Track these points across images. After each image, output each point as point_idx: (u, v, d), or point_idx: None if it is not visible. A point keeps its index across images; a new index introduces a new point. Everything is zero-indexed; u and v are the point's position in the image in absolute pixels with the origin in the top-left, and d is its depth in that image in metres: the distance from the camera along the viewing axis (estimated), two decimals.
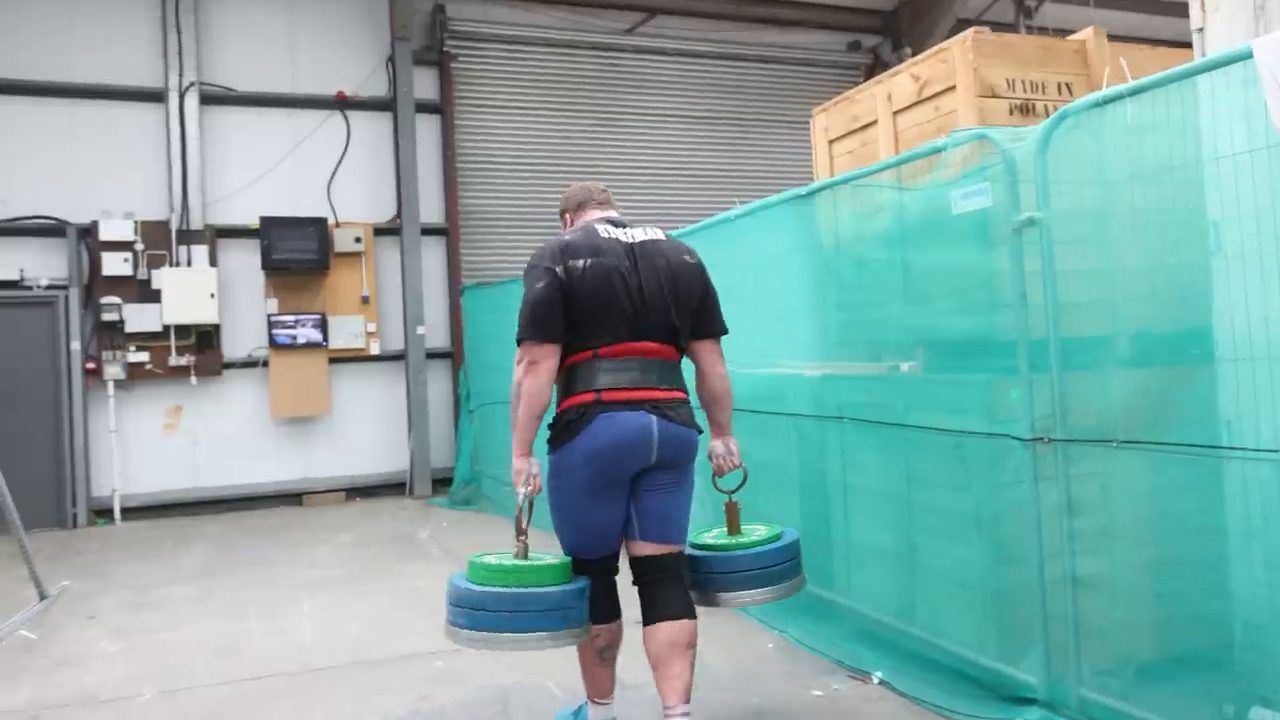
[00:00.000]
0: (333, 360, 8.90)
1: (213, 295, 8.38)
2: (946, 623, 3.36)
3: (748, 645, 4.07)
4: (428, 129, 9.39)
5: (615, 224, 2.92)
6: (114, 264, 8.25)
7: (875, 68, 10.85)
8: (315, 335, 8.73)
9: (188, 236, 8.51)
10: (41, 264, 8.21)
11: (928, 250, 3.45)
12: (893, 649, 3.61)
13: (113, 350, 8.27)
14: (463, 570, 2.75)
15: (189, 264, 8.48)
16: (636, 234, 2.88)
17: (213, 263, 8.55)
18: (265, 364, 8.71)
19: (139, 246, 8.34)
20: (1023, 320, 2.93)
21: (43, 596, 5.28)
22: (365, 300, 8.99)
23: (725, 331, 3.01)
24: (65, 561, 6.57)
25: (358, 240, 8.90)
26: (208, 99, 8.70)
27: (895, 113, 3.76)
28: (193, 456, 8.55)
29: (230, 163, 8.79)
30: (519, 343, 2.71)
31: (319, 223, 8.62)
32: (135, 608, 5.15)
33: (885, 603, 3.74)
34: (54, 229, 8.22)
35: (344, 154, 9.12)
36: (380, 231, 9.16)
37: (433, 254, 9.33)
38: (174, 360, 8.39)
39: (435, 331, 9.28)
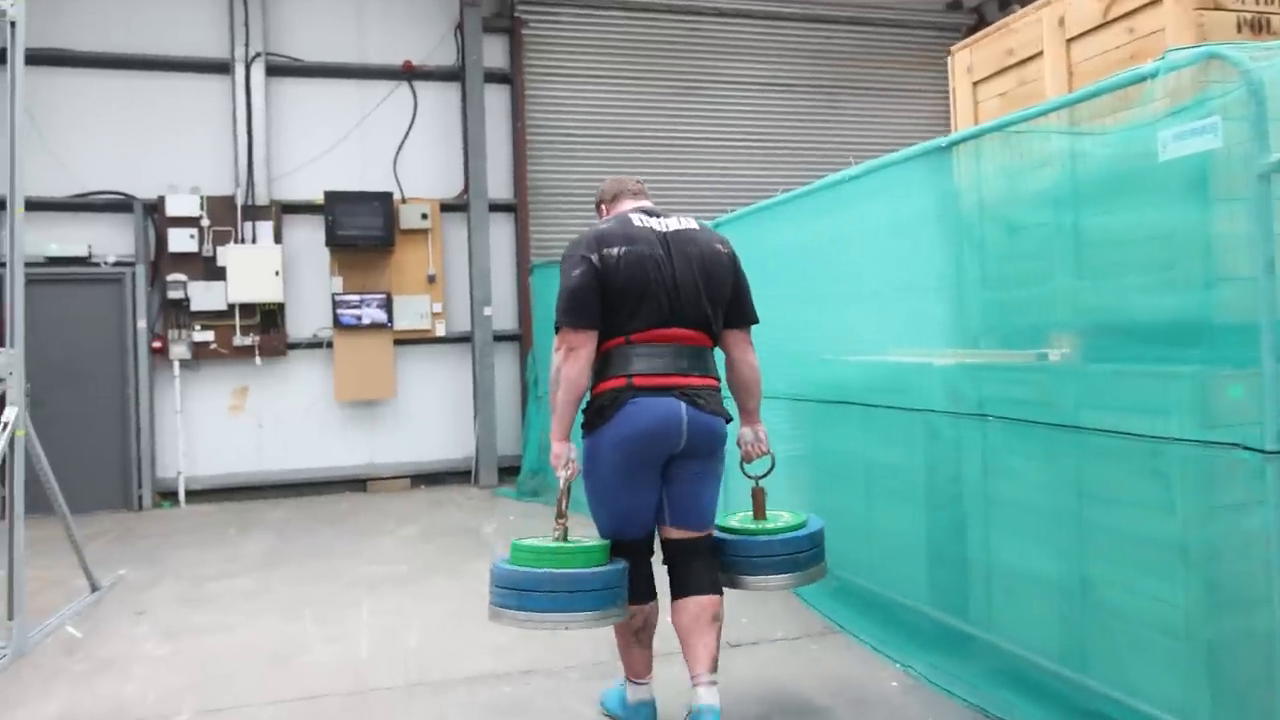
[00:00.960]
0: (398, 342, 8.50)
1: (277, 273, 8.05)
2: (1136, 675, 2.68)
3: (867, 682, 3.44)
4: (497, 100, 8.88)
5: (649, 214, 2.94)
6: (180, 240, 7.98)
7: (978, 29, 9.93)
8: (380, 315, 8.34)
9: (253, 212, 8.18)
10: (109, 240, 7.98)
11: (1114, 210, 2.75)
12: (1054, 699, 2.95)
13: (178, 329, 8.01)
14: (506, 554, 2.78)
15: (254, 240, 8.16)
16: (670, 223, 2.91)
17: (278, 239, 8.21)
18: (329, 345, 8.36)
19: (205, 222, 8.05)
20: (1269, 297, 2.23)
21: (95, 588, 4.95)
22: (431, 279, 8.56)
23: (756, 321, 3.05)
24: (126, 546, 6.30)
25: (424, 217, 8.47)
26: (273, 70, 8.34)
27: (1069, 40, 3.05)
28: (257, 439, 8.26)
29: (296, 136, 8.43)
30: (557, 330, 2.78)
31: (384, 198, 8.20)
32: (189, 603, 4.78)
33: (1043, 641, 3.07)
34: (121, 204, 7.97)
35: (410, 126, 8.68)
36: (447, 208, 8.71)
37: (501, 231, 8.85)
38: (238, 340, 8.09)
39: (503, 312, 8.82)
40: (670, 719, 3.01)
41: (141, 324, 7.88)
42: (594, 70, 9.14)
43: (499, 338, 8.70)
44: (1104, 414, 2.78)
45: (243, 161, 8.21)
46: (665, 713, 3.02)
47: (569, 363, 2.74)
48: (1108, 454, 2.78)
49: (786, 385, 4.70)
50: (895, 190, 3.76)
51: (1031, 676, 3.12)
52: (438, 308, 8.58)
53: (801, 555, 3.07)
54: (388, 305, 8.35)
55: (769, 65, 9.63)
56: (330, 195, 8.04)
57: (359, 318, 8.30)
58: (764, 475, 3.15)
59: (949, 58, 3.83)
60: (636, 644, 2.92)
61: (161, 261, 8.01)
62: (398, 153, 8.64)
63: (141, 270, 7.91)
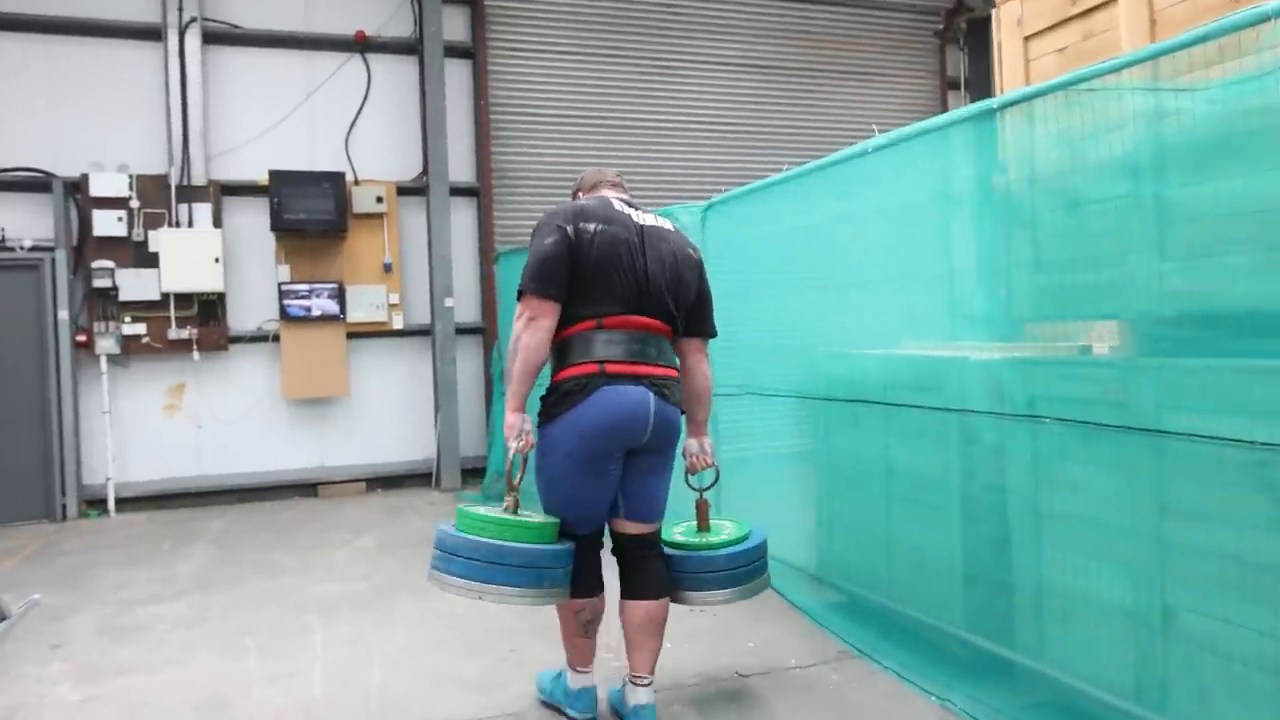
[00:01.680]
0: (351, 335, 7.89)
1: (217, 260, 7.38)
2: (1229, 718, 2.30)
3: (900, 718, 3.03)
4: (458, 75, 8.30)
5: (628, 204, 2.91)
6: (106, 223, 7.25)
7: (957, 12, 9.66)
8: (332, 307, 7.71)
9: (189, 193, 7.49)
10: (25, 223, 7.22)
11: (1212, 178, 2.35)
12: None
13: (106, 321, 7.29)
14: (452, 521, 2.73)
15: (190, 224, 7.46)
16: (646, 219, 2.88)
17: (217, 223, 7.53)
18: (276, 338, 7.71)
19: (134, 204, 7.33)
20: None
21: (2, 617, 4.30)
22: (387, 268, 7.96)
23: (714, 334, 3.05)
24: (44, 565, 5.62)
25: (379, 200, 7.85)
26: (211, 37, 7.64)
27: None
28: (195, 441, 7.58)
29: (237, 111, 7.75)
30: (520, 296, 2.70)
31: (335, 178, 7.57)
32: (113, 634, 4.18)
33: (1110, 674, 2.68)
34: (39, 183, 7.21)
35: (364, 103, 8.05)
36: (404, 191, 8.10)
37: (463, 217, 8.27)
38: (174, 333, 7.40)
39: (465, 304, 8.25)
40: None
41: (63, 315, 7.15)
42: (562, 46, 8.61)
43: (461, 330, 8.13)
44: (1193, 416, 2.39)
45: (177, 137, 7.50)
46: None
47: (529, 331, 2.66)
48: (1200, 463, 2.39)
49: (792, 382, 4.28)
50: (925, 162, 3.34)
51: (1093, 713, 2.74)
52: (394, 298, 7.98)
53: (743, 570, 3.08)
54: (340, 295, 7.73)
55: (745, 46, 9.21)
56: (276, 175, 7.39)
57: (308, 309, 7.67)
58: (709, 487, 3.16)
59: (993, 12, 3.41)
60: (583, 634, 2.90)
61: (86, 246, 7.28)
62: (350, 131, 8.01)
63: (63, 256, 7.17)
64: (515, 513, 2.69)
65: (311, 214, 7.43)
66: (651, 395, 2.71)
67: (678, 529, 3.19)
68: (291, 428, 7.83)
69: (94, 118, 7.39)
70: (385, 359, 8.09)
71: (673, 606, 3.02)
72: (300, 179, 7.45)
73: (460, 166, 8.23)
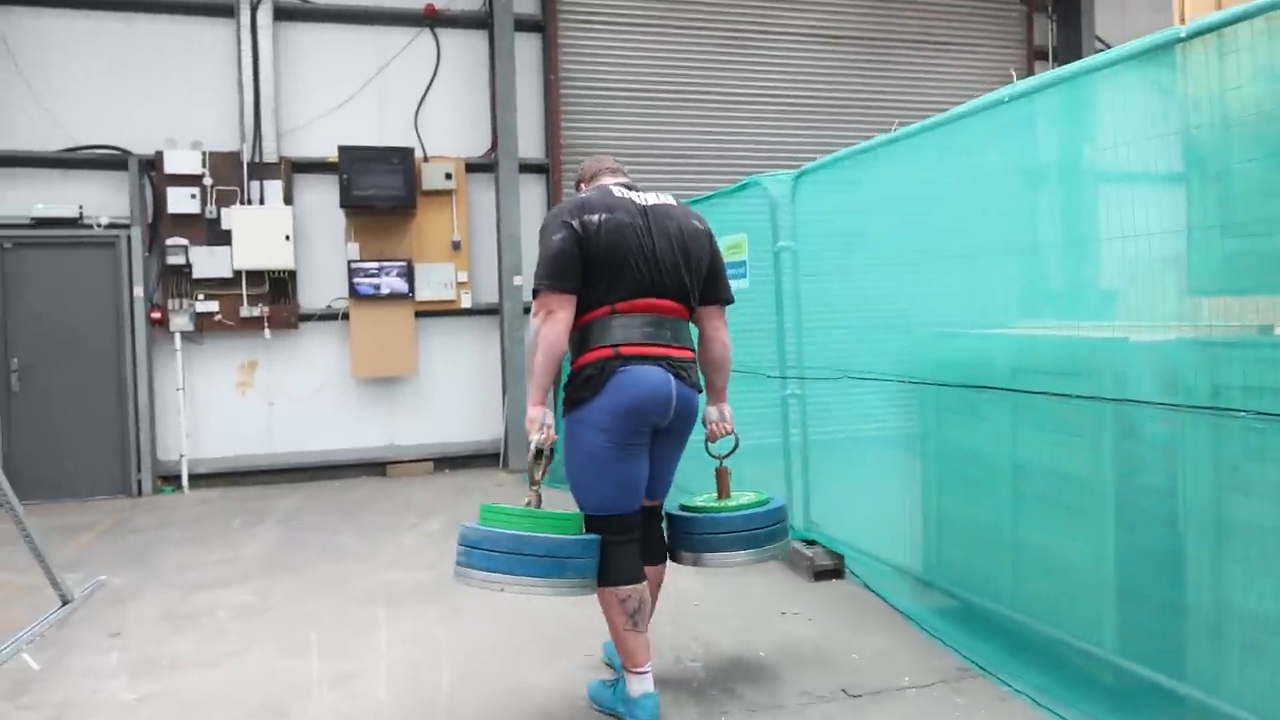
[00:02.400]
0: (419, 314, 7.58)
1: (288, 237, 7.12)
2: None
3: None
4: (528, 50, 7.88)
5: (628, 187, 2.88)
6: (180, 200, 7.05)
7: None
8: (400, 285, 7.41)
9: (260, 170, 7.24)
10: (101, 200, 7.06)
11: None
12: None
13: (179, 298, 7.11)
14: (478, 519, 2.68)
15: (261, 201, 7.22)
16: (649, 198, 2.85)
17: (288, 200, 7.27)
18: (345, 316, 7.44)
19: (207, 181, 7.11)
20: None
21: (65, 600, 4.08)
22: (456, 246, 7.61)
23: (731, 300, 3.01)
24: (116, 542, 5.43)
25: (448, 177, 7.50)
26: (283, 13, 7.35)
27: None
28: (267, 419, 7.38)
29: (307, 87, 7.46)
30: (535, 293, 2.69)
31: (405, 154, 7.23)
32: (174, 622, 3.90)
33: None
34: (115, 161, 7.04)
35: (433, 78, 7.69)
36: (473, 168, 7.73)
37: (531, 194, 7.87)
38: (245, 311, 7.18)
39: (532, 284, 7.85)
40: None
41: (138, 292, 6.98)
42: (634, 18, 8.11)
43: (529, 310, 7.75)
44: None
45: (249, 114, 7.25)
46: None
47: (548, 325, 2.64)
48: None
49: (895, 364, 3.76)
50: (1073, 113, 2.78)
51: None
52: (463, 276, 7.64)
53: (761, 531, 3.02)
54: (408, 274, 7.42)
55: (822, 16, 8.57)
56: (345, 151, 7.08)
57: (377, 287, 7.38)
58: (728, 454, 3.07)
59: None
60: (633, 628, 2.72)
61: (160, 224, 7.09)
62: (419, 107, 7.66)
63: (138, 233, 6.99)
64: (539, 507, 2.65)
65: (380, 190, 7.10)
66: (671, 377, 2.68)
67: (699, 497, 3.14)
68: (361, 406, 7.57)
69: (168, 95, 7.18)
70: (454, 338, 7.76)
71: (758, 618, 3.14)
72: (369, 155, 7.13)
73: (530, 143, 7.82)
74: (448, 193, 7.57)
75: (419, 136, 7.61)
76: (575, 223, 2.67)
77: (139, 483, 6.95)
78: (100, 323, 6.98)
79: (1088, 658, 2.83)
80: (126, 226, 7.00)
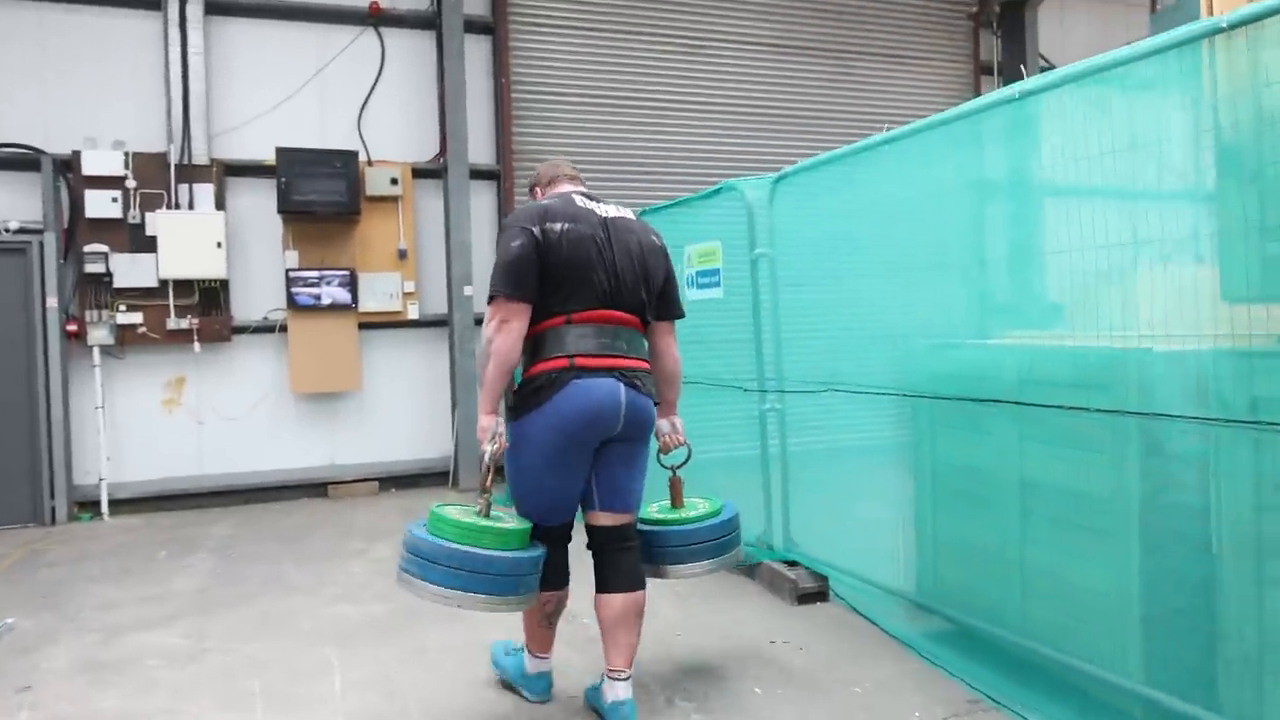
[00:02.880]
0: (363, 325, 7.13)
1: (220, 244, 6.60)
2: None
3: None
4: (477, 52, 7.53)
5: (589, 197, 2.83)
6: (100, 204, 6.46)
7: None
8: (343, 295, 6.95)
9: (190, 173, 6.70)
10: (10, 203, 6.42)
11: None
12: None
13: (98, 310, 6.51)
14: (424, 520, 2.62)
15: (190, 206, 6.68)
16: (610, 210, 2.82)
17: (220, 205, 6.75)
18: (283, 329, 6.95)
19: (130, 183, 6.54)
20: None
21: None
22: (402, 255, 7.19)
23: (682, 315, 3.00)
24: (25, 577, 4.85)
25: (394, 182, 7.09)
26: (214, 7, 6.85)
27: None
28: (197, 439, 6.81)
29: (242, 86, 6.97)
30: (490, 300, 2.64)
31: (348, 157, 6.80)
32: (93, 672, 3.42)
33: None
34: (26, 161, 6.42)
35: (377, 79, 7.28)
36: (420, 173, 7.34)
37: (482, 200, 7.51)
38: (173, 323, 6.63)
39: (485, 293, 7.48)
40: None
41: (52, 303, 6.36)
42: (587, 21, 7.84)
43: (481, 321, 7.38)
44: None
45: (177, 113, 6.72)
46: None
47: (501, 334, 2.59)
48: None
49: (886, 376, 3.55)
50: (1093, 107, 2.61)
51: None
52: (409, 286, 7.22)
53: (724, 540, 3.11)
54: (351, 283, 6.97)
55: (777, 25, 8.46)
56: (284, 154, 6.61)
57: (318, 297, 6.91)
58: (680, 465, 3.14)
59: None
60: (546, 625, 2.86)
61: (77, 229, 6.49)
62: (362, 109, 7.24)
63: (52, 239, 6.37)
64: (488, 515, 2.60)
65: (322, 195, 6.65)
66: (622, 386, 2.66)
67: (652, 507, 3.15)
68: (300, 424, 7.07)
69: (87, 92, 6.60)
70: (400, 351, 7.33)
71: (746, 649, 3.00)
72: (310, 158, 6.68)
73: (480, 148, 7.47)
74: (393, 199, 7.15)
75: (363, 140, 7.18)
76: (536, 230, 2.62)
77: (52, 510, 6.31)
78: (9, 336, 6.33)
79: (1111, 688, 2.64)
80: (39, 231, 6.38)
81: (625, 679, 2.71)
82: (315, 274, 6.90)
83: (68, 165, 6.47)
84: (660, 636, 3.56)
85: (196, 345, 6.69)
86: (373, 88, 7.27)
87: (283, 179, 6.55)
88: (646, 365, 2.81)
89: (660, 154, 8.01)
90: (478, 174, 7.39)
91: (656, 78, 8.04)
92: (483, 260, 7.39)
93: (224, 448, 6.85)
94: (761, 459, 4.24)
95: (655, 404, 2.83)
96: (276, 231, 6.95)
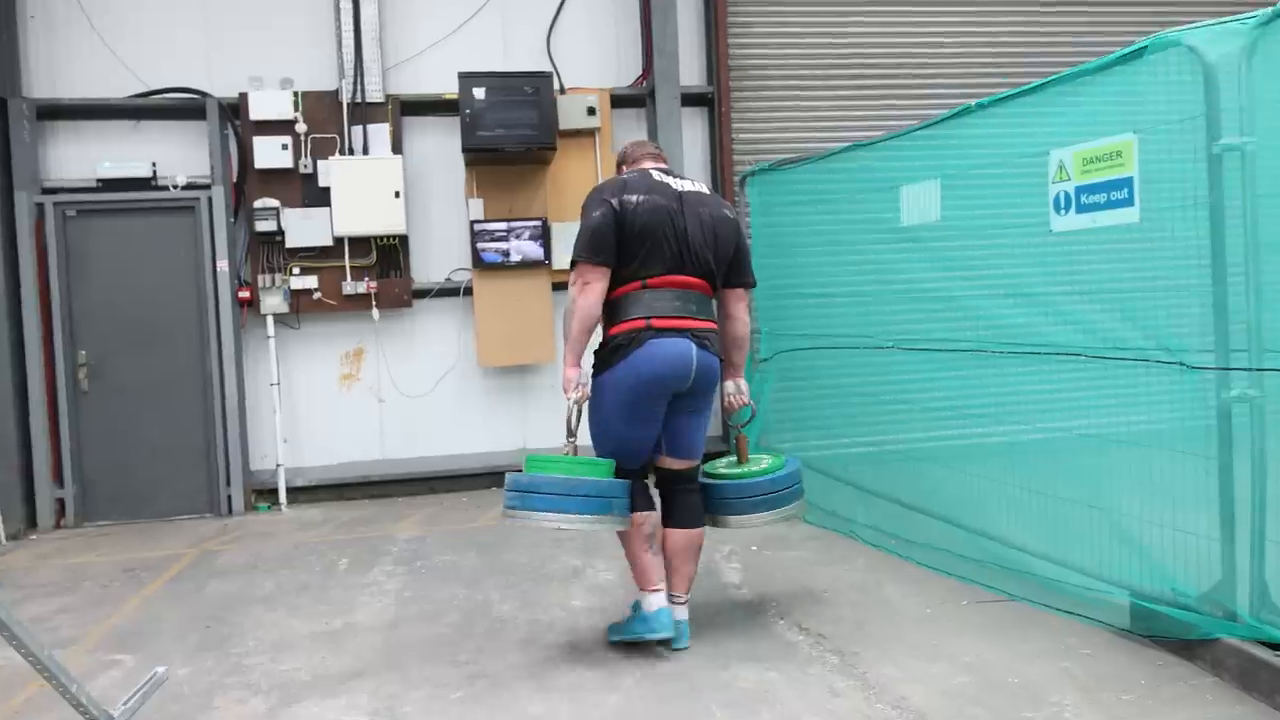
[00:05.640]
0: (558, 286, 5.96)
1: (398, 194, 5.62)
2: None
3: None
4: None
5: (668, 173, 3.07)
6: (269, 153, 5.62)
7: None
8: (534, 250, 5.82)
9: (363, 113, 5.74)
10: (177, 156, 5.70)
11: None
12: None
13: (271, 273, 5.70)
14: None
15: (365, 151, 5.73)
16: (686, 184, 3.04)
17: (396, 149, 5.76)
18: (468, 291, 5.91)
19: (300, 128, 5.66)
20: None
21: None
22: None
23: (754, 283, 3.20)
24: (190, 593, 4.02)
25: (591, 112, 5.84)
26: None
27: None
28: (377, 419, 5.94)
29: (417, 10, 5.92)
30: (573, 265, 2.91)
31: (541, 80, 5.60)
32: None
33: None
34: (192, 108, 5.66)
35: None
36: (619, 101, 6.06)
37: (693, 130, 6.15)
38: (350, 287, 5.73)
39: None
40: None
41: (223, 266, 5.60)
42: None
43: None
44: None
45: (349, 45, 5.76)
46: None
47: (584, 295, 2.86)
48: None
49: None
50: None
51: None
52: None
53: (783, 493, 3.20)
54: (544, 235, 5.82)
55: None
56: (467, 79, 5.49)
57: (506, 253, 5.81)
58: (745, 423, 3.26)
59: None
60: (648, 551, 2.99)
61: (247, 182, 5.69)
62: (551, 28, 6.02)
63: (220, 194, 5.59)
64: (575, 455, 2.85)
65: (511, 129, 5.48)
66: (693, 345, 2.88)
67: (720, 463, 3.31)
68: (488, 402, 6.05)
69: (252, 27, 5.77)
70: None
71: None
72: (497, 83, 5.51)
73: (689, 68, 6.08)
74: (590, 133, 5.92)
75: (553, 64, 5.97)
76: (615, 201, 2.87)
77: (229, 499, 5.60)
78: (180, 305, 5.63)
79: None
80: (207, 186, 5.61)
81: (683, 603, 3.03)
82: (503, 226, 5.79)
83: (234, 110, 5.66)
84: None
85: (375, 312, 5.77)
86: (562, 2, 6.03)
87: (467, 111, 5.43)
88: (715, 326, 3.01)
89: (924, 55, 6.27)
90: (687, 99, 6.01)
91: None
92: None
93: (407, 429, 5.94)
94: (1220, 475, 2.64)
95: (721, 361, 3.04)
96: (458, 178, 5.90)
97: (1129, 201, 2.82)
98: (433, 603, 3.70)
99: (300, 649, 3.26)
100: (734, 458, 3.28)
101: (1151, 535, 2.82)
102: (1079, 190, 3.02)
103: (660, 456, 3.04)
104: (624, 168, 3.19)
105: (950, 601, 3.39)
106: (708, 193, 3.07)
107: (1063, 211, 3.08)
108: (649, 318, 2.85)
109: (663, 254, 2.86)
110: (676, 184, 2.99)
